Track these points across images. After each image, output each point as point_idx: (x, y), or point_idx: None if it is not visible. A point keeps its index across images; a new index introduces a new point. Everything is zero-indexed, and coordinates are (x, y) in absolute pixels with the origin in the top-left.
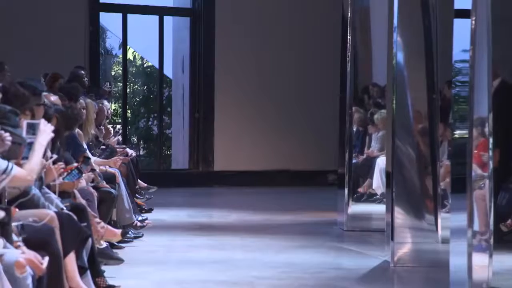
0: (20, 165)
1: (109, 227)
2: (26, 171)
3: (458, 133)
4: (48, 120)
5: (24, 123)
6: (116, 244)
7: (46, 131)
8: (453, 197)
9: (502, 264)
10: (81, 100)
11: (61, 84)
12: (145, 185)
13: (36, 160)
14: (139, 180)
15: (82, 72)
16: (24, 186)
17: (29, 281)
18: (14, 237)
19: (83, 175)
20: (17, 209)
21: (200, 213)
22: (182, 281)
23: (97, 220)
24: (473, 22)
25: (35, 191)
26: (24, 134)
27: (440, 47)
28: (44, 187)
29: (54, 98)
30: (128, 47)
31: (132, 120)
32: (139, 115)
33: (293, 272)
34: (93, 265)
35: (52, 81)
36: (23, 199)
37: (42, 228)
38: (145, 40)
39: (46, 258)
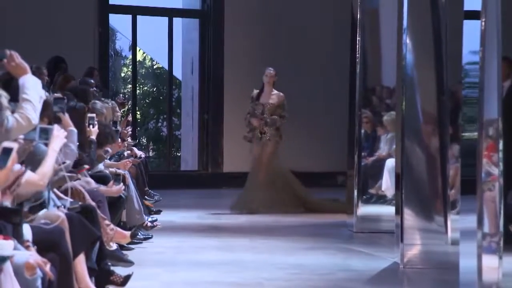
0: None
1: (119, 229)
2: (38, 176)
3: (467, 134)
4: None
5: (37, 127)
6: (126, 245)
7: (59, 136)
8: (463, 199)
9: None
10: (98, 104)
11: (72, 85)
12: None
13: (48, 165)
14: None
15: (94, 88)
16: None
17: (39, 283)
18: (25, 237)
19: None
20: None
21: (209, 214)
22: (191, 283)
23: (107, 222)
24: (483, 23)
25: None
26: (36, 138)
27: (449, 49)
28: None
29: None
30: (137, 48)
31: (141, 122)
32: (149, 116)
33: (302, 274)
34: (103, 266)
35: (63, 83)
36: (35, 203)
37: (52, 230)
38: (155, 42)
39: (48, 265)
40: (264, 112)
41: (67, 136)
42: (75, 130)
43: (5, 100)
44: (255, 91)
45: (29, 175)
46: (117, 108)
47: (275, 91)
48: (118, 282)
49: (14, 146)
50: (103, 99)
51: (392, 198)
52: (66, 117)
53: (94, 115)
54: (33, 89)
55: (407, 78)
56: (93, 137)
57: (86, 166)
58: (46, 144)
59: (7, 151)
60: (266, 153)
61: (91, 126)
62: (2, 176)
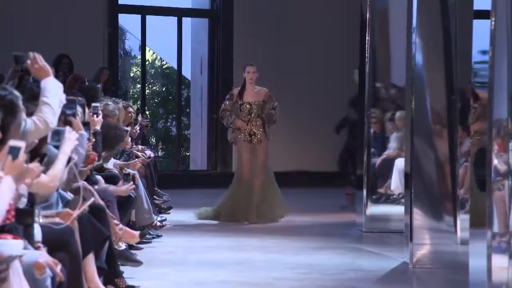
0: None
1: (128, 229)
2: (49, 178)
3: (477, 134)
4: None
5: None
6: (135, 245)
7: (71, 138)
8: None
9: None
10: (111, 106)
11: (82, 85)
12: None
13: (59, 167)
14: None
15: (99, 86)
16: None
17: (48, 282)
18: (36, 237)
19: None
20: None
21: None
22: (201, 282)
23: (116, 222)
24: (493, 22)
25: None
26: (48, 140)
27: (459, 48)
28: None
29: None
30: (147, 48)
31: (150, 121)
32: (158, 116)
33: (312, 273)
34: (111, 266)
35: (73, 82)
36: (45, 204)
37: (62, 230)
38: (164, 42)
39: (59, 266)
40: (252, 112)
41: (77, 139)
42: (85, 134)
43: (20, 102)
44: (236, 89)
45: (40, 176)
46: (130, 108)
47: (257, 88)
48: (120, 287)
49: (22, 145)
50: (114, 98)
51: (401, 198)
52: (77, 121)
53: (98, 104)
54: (54, 93)
55: (417, 77)
56: (98, 127)
57: (94, 153)
58: (58, 146)
59: (16, 150)
60: (259, 156)
61: (95, 116)
62: (14, 169)
